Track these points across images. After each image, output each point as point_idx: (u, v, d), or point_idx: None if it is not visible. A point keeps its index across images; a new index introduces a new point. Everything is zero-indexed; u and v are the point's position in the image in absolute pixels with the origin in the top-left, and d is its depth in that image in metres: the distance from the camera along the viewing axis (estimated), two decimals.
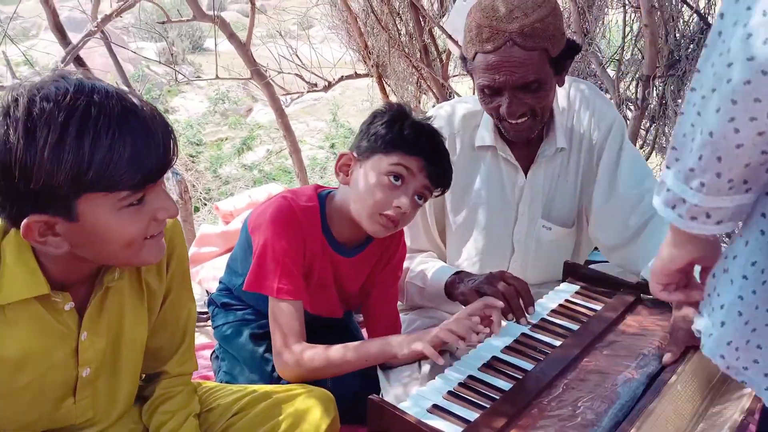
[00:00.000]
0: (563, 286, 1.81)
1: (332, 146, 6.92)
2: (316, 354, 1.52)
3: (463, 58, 1.77)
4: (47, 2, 2.65)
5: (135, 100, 1.06)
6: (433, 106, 3.82)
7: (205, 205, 5.97)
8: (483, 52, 1.66)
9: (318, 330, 1.68)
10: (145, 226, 1.12)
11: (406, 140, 1.56)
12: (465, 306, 1.63)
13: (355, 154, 1.63)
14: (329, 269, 1.69)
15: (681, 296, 1.10)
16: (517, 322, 1.61)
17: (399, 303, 1.92)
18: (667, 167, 0.92)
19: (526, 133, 1.77)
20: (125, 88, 1.13)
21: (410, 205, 1.57)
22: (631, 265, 1.82)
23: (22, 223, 1.04)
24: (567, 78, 1.84)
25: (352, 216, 1.61)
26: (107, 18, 2.84)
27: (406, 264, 1.89)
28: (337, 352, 1.52)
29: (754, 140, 0.79)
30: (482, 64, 1.67)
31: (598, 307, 1.68)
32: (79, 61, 2.93)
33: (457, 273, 1.81)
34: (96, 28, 2.89)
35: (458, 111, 1.93)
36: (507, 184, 1.91)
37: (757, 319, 0.90)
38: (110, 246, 1.11)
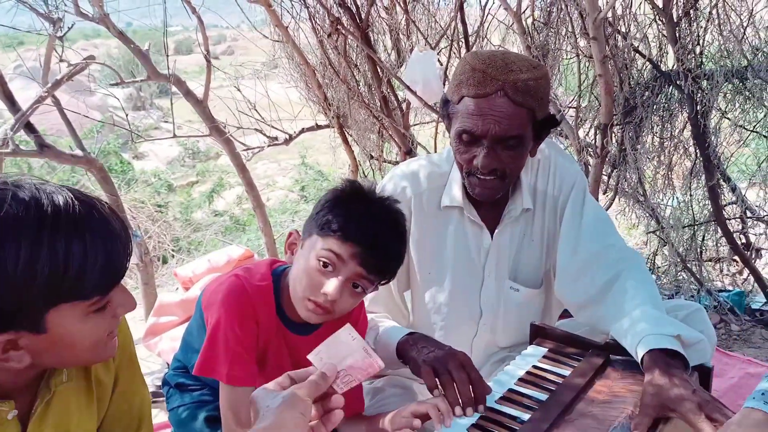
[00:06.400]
0: (530, 349, 1.77)
1: (302, 189, 6.90)
2: None
3: (446, 101, 1.73)
4: None
5: (94, 202, 1.03)
6: (396, 155, 3.85)
7: (173, 256, 5.87)
8: (471, 95, 1.63)
9: None
10: (108, 326, 1.10)
11: (342, 226, 1.47)
12: (413, 373, 1.57)
13: (300, 233, 1.58)
14: (285, 350, 1.62)
15: None
16: (463, 412, 1.47)
17: None
18: None
19: (491, 192, 1.74)
20: (75, 189, 1.05)
21: (339, 294, 1.47)
22: (599, 324, 1.78)
23: None
24: None
25: None
26: (57, 83, 2.79)
27: None
28: None
29: None
30: (468, 108, 1.64)
31: (567, 372, 1.63)
32: (29, 128, 2.86)
33: (411, 334, 1.72)
34: (46, 93, 2.83)
35: (425, 170, 1.89)
36: (473, 246, 1.87)
37: None
38: (75, 351, 1.07)
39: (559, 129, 3.25)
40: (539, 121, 1.67)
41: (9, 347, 1.01)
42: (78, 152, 3.00)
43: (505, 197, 1.84)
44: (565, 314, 2.01)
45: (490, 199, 1.78)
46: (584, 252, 1.79)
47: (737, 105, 3.00)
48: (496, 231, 1.85)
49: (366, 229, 1.48)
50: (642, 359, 1.50)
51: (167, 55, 3.26)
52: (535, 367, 1.67)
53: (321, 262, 1.47)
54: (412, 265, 1.92)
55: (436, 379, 1.51)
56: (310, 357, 1.15)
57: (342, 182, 1.58)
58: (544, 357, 1.72)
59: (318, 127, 4.14)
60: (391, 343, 1.72)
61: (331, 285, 1.47)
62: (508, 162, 1.67)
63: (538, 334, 1.82)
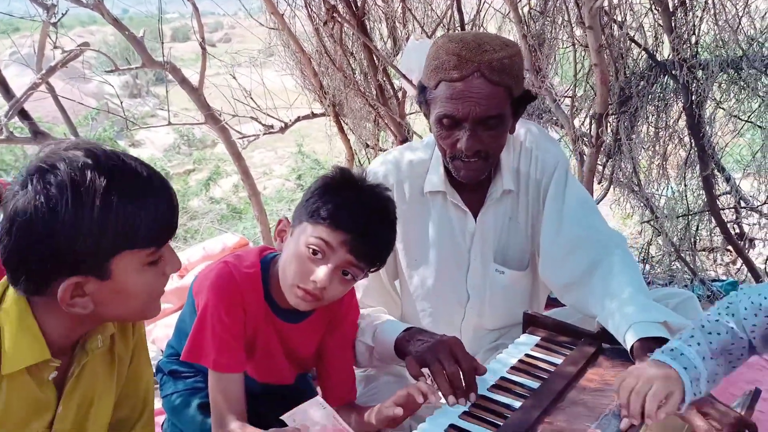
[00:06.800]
0: (523, 338, 1.78)
1: (299, 177, 6.89)
2: None
3: (422, 88, 1.74)
4: None
5: (155, 170, 1.18)
6: (392, 144, 3.85)
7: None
8: (448, 80, 1.64)
9: (273, 399, 1.62)
10: (159, 283, 1.22)
11: (331, 213, 1.47)
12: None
13: (290, 220, 1.58)
14: (275, 337, 1.63)
15: None
16: (456, 401, 1.48)
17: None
18: None
19: (476, 173, 1.75)
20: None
21: (328, 281, 1.47)
22: (585, 308, 1.77)
23: (62, 285, 1.09)
24: None
25: None
26: (52, 70, 2.77)
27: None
28: None
29: None
30: (446, 92, 1.65)
31: (559, 360, 1.64)
32: (23, 114, 2.85)
33: (408, 330, 1.73)
34: (41, 80, 2.82)
35: (406, 157, 1.90)
36: (457, 230, 1.88)
37: None
38: (130, 301, 1.18)
39: (554, 118, 3.25)
40: (516, 98, 1.69)
41: (76, 293, 1.12)
42: (73, 140, 2.98)
43: (487, 180, 1.85)
44: (556, 303, 2.02)
45: (475, 181, 1.79)
46: (567, 234, 1.80)
47: (732, 95, 2.99)
48: (480, 213, 1.86)
49: (356, 216, 1.48)
50: (631, 348, 1.51)
51: (162, 43, 3.24)
52: (527, 355, 1.68)
53: (310, 250, 1.48)
54: (398, 253, 1.93)
55: (423, 369, 1.52)
56: (283, 418, 1.23)
57: (332, 169, 1.57)
58: (537, 345, 1.73)
59: (314, 115, 4.12)
60: (389, 341, 1.73)
61: (321, 272, 1.47)
62: (490, 142, 1.69)
63: (530, 323, 1.83)
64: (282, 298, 1.59)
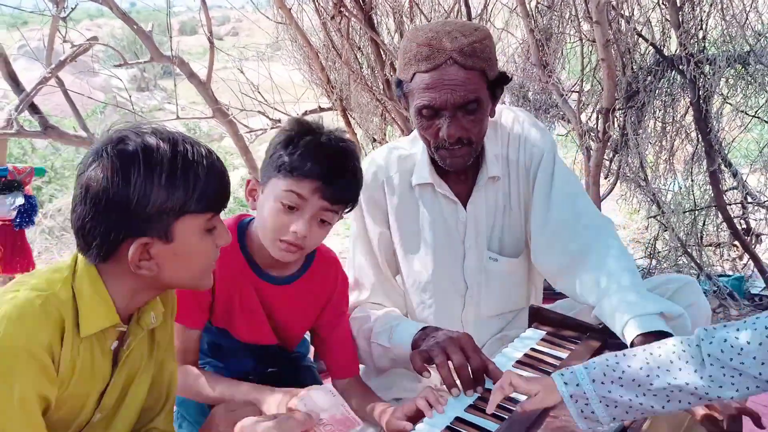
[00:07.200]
0: (529, 332, 1.79)
1: None
2: (195, 378, 1.60)
3: (399, 82, 1.75)
4: None
5: (212, 150, 1.31)
6: (399, 137, 3.86)
7: None
8: (423, 71, 1.66)
9: (264, 369, 1.70)
10: (213, 253, 1.32)
11: (297, 164, 1.52)
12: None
13: (258, 179, 1.63)
14: (254, 294, 1.68)
15: None
16: (464, 392, 1.51)
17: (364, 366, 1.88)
18: None
19: (462, 160, 1.76)
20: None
21: (308, 230, 1.54)
22: (579, 295, 1.77)
23: (132, 244, 1.20)
24: (500, 106, 1.84)
25: None
26: (61, 64, 2.79)
27: (368, 325, 1.84)
28: (210, 383, 1.59)
29: None
30: (421, 84, 1.67)
31: (564, 354, 1.65)
32: (33, 108, 2.87)
33: (423, 329, 1.74)
34: (50, 74, 2.84)
35: (393, 154, 1.91)
36: (450, 221, 1.89)
37: None
38: (189, 267, 1.29)
39: (561, 113, 3.25)
40: (492, 81, 1.70)
41: (143, 256, 1.22)
42: (82, 133, 3.01)
43: (474, 169, 1.86)
44: (560, 295, 2.02)
45: (461, 167, 1.80)
46: (555, 219, 1.81)
47: (739, 90, 2.99)
48: (469, 202, 1.87)
49: (322, 163, 1.53)
50: (632, 343, 1.52)
51: (170, 37, 3.26)
52: (532, 349, 1.69)
53: (284, 204, 1.53)
54: (396, 247, 1.95)
55: (425, 364, 1.54)
56: (293, 402, 1.26)
57: (288, 122, 1.63)
58: (542, 340, 1.74)
59: (321, 109, 4.13)
60: (405, 342, 1.74)
61: (299, 224, 1.53)
62: (471, 127, 1.70)
63: (536, 317, 1.84)
64: (262, 259, 1.65)
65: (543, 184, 1.84)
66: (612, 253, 1.70)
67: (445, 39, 1.64)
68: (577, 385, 1.28)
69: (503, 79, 1.76)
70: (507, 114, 1.90)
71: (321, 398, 1.26)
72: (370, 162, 1.91)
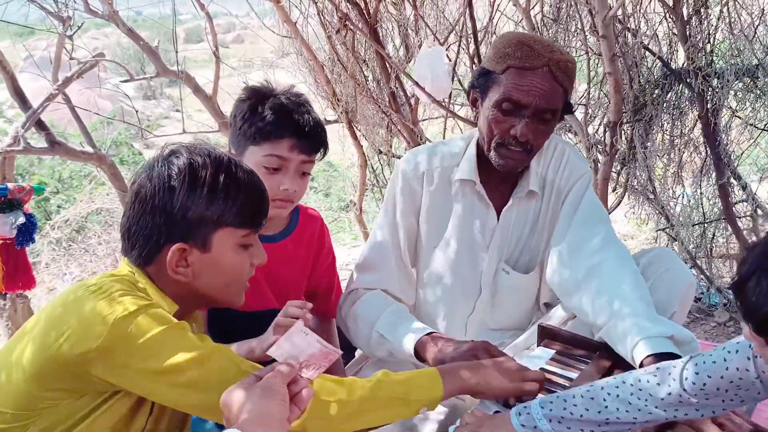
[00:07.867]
0: (538, 351, 1.78)
1: (312, 179, 6.91)
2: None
3: (486, 72, 1.78)
4: (5, 68, 2.60)
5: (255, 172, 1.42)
6: (405, 150, 3.85)
7: None
8: (518, 67, 1.71)
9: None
10: (248, 271, 1.41)
11: (270, 129, 1.64)
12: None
13: (233, 150, 1.73)
14: None
15: None
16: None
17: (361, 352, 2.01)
18: None
19: (516, 163, 1.81)
20: None
21: (295, 185, 1.71)
22: (590, 314, 1.75)
23: (172, 248, 1.30)
24: None
25: None
26: (68, 80, 2.80)
27: (374, 312, 1.87)
28: None
29: None
30: (515, 79, 1.71)
31: (574, 374, 1.64)
32: (40, 125, 2.87)
33: (429, 334, 1.76)
34: (57, 91, 2.84)
35: (440, 148, 1.97)
36: (478, 224, 1.92)
37: None
38: (223, 280, 1.37)
39: (568, 125, 3.24)
40: (565, 103, 1.78)
41: (180, 262, 1.32)
42: (88, 149, 3.02)
43: (514, 180, 1.91)
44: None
45: (513, 170, 1.85)
46: (571, 238, 1.84)
47: (748, 103, 2.97)
48: (504, 209, 1.90)
49: (291, 121, 1.66)
50: (641, 363, 1.51)
51: (176, 51, 3.27)
52: (542, 369, 1.68)
53: (268, 168, 1.66)
54: (420, 238, 1.97)
55: None
56: (269, 352, 1.23)
57: (243, 92, 1.74)
58: (552, 359, 1.73)
59: (327, 121, 4.12)
60: (408, 341, 1.76)
61: (286, 181, 1.67)
62: (538, 135, 1.76)
63: (545, 335, 1.83)
64: None
65: (571, 204, 1.88)
66: (627, 280, 1.70)
67: (546, 48, 1.72)
68: (535, 427, 1.34)
69: (570, 106, 1.83)
70: (556, 141, 1.96)
71: (296, 341, 1.23)
72: (418, 152, 1.96)
